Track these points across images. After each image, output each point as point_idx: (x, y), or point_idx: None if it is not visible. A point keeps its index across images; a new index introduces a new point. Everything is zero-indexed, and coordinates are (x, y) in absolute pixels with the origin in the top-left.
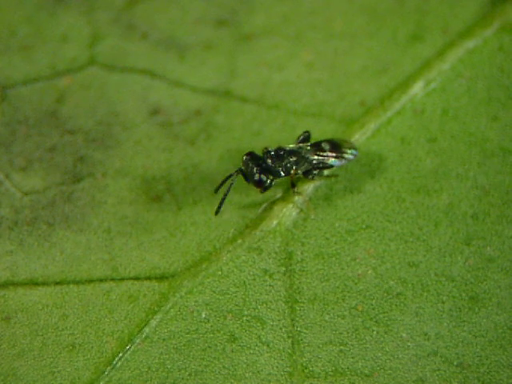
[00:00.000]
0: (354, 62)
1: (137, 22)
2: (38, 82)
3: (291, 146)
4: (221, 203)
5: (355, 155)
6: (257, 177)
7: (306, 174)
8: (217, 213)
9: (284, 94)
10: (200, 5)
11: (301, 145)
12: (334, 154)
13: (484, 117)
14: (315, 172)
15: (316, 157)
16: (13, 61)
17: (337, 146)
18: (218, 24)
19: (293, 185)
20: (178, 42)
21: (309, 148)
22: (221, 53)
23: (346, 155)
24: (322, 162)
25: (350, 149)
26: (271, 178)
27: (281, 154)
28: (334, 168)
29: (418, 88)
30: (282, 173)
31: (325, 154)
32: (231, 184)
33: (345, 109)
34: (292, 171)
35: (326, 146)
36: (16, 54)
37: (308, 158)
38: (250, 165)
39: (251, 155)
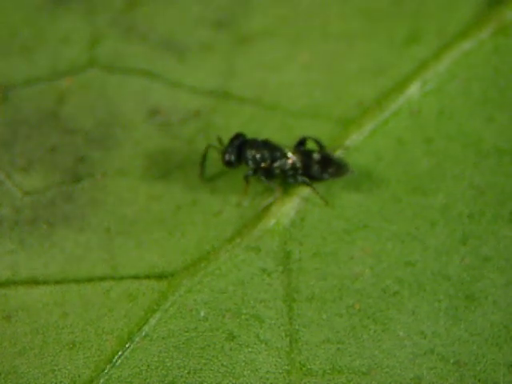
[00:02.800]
0: (350, 64)
1: (136, 23)
2: (39, 83)
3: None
4: (201, 168)
5: (340, 176)
6: (227, 157)
7: (286, 174)
8: (200, 177)
9: (281, 95)
10: (198, 7)
11: (293, 146)
12: (318, 168)
13: (479, 117)
14: (295, 178)
15: (300, 163)
16: (13, 62)
17: (327, 162)
18: (216, 26)
19: (266, 177)
20: (177, 43)
21: (298, 152)
22: (219, 54)
23: (329, 171)
24: (305, 170)
25: (338, 168)
26: (240, 162)
27: (261, 146)
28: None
29: (414, 89)
30: (249, 161)
31: (310, 163)
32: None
33: (342, 109)
34: (263, 164)
35: (316, 156)
36: (17, 55)
37: (292, 160)
38: (229, 144)
39: (237, 136)
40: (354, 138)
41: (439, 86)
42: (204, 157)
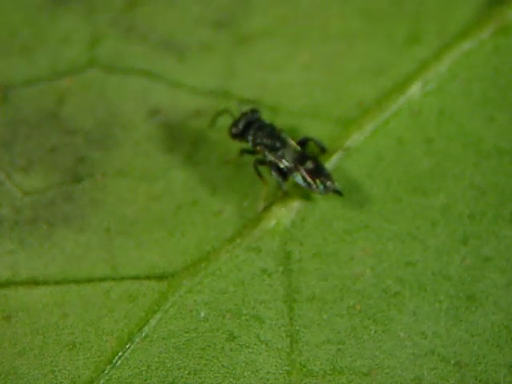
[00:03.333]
0: (351, 64)
1: (136, 23)
2: (39, 83)
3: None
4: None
5: (321, 192)
6: (233, 130)
7: (272, 168)
8: (210, 126)
9: (282, 95)
10: (198, 7)
11: (295, 143)
12: (304, 173)
13: (480, 117)
14: (283, 176)
15: (290, 161)
16: (14, 62)
17: (316, 172)
18: (216, 26)
19: (258, 163)
20: (177, 43)
21: (297, 151)
22: (219, 54)
23: (313, 183)
24: (290, 170)
25: (323, 183)
26: (242, 138)
27: (266, 132)
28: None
29: (414, 89)
30: (250, 141)
31: (300, 166)
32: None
33: (342, 110)
34: (258, 148)
35: (310, 164)
36: (17, 55)
37: (288, 156)
38: (239, 117)
39: (251, 111)
40: (355, 138)
41: (440, 86)
42: (216, 116)
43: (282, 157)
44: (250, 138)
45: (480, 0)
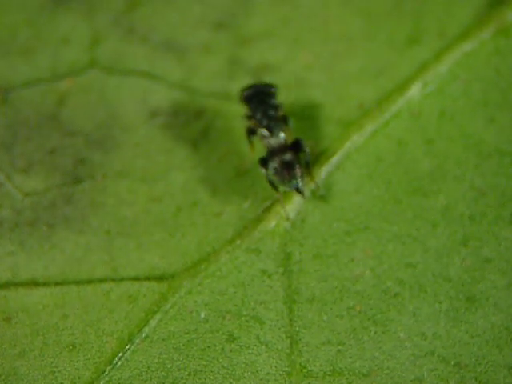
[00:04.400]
0: (351, 65)
1: (136, 24)
2: (39, 84)
3: (283, 134)
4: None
5: (284, 186)
6: (244, 93)
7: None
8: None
9: (282, 96)
10: (199, 8)
11: (285, 135)
12: (277, 162)
13: (480, 119)
14: (266, 161)
15: (272, 148)
16: (14, 63)
17: (290, 166)
18: (216, 27)
19: (249, 136)
20: (178, 44)
21: (284, 141)
22: (220, 55)
23: (280, 174)
24: (270, 156)
25: (291, 178)
26: (245, 105)
27: (269, 110)
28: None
29: (415, 90)
30: (249, 111)
31: (279, 154)
32: None
33: (343, 111)
34: (251, 122)
35: (288, 156)
36: (17, 56)
37: (274, 141)
38: (253, 85)
39: (268, 85)
40: (355, 139)
41: (440, 87)
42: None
43: (268, 139)
44: (251, 108)
45: (480, 1)
